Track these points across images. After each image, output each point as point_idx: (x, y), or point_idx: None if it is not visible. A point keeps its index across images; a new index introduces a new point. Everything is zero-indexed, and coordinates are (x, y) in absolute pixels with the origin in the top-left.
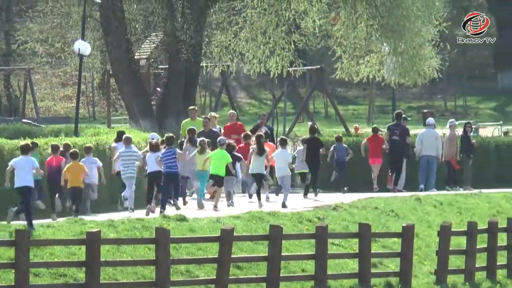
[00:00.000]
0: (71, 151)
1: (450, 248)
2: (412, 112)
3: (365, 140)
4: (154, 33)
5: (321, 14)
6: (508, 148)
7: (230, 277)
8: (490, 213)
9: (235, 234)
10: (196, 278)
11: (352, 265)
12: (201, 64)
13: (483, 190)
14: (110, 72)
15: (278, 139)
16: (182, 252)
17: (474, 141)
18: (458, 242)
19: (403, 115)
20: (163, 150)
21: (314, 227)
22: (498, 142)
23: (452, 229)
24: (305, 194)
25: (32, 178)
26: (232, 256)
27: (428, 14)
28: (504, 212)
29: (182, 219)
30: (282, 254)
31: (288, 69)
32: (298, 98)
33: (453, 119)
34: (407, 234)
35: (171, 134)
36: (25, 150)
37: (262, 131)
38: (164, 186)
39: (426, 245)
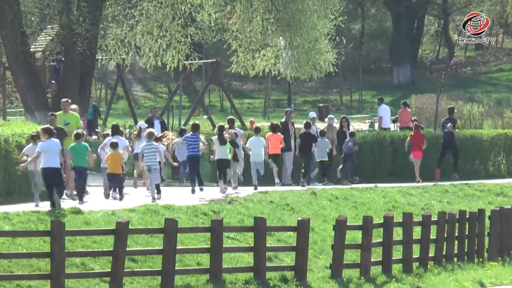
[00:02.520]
0: None
1: (346, 242)
2: (307, 106)
3: (409, 137)
4: (50, 26)
5: (217, 7)
6: (404, 142)
7: (125, 270)
8: (386, 208)
9: (130, 227)
10: (91, 271)
11: (248, 259)
12: (96, 57)
13: (379, 185)
14: (6, 65)
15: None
16: (77, 244)
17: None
18: (354, 236)
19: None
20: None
21: (209, 221)
22: (393, 137)
23: (348, 224)
24: (304, 180)
25: None
26: (127, 249)
27: (324, 8)
28: (399, 206)
29: (77, 211)
30: (177, 247)
31: (184, 62)
32: (194, 92)
33: (332, 116)
34: (302, 228)
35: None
36: None
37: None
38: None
39: (322, 239)
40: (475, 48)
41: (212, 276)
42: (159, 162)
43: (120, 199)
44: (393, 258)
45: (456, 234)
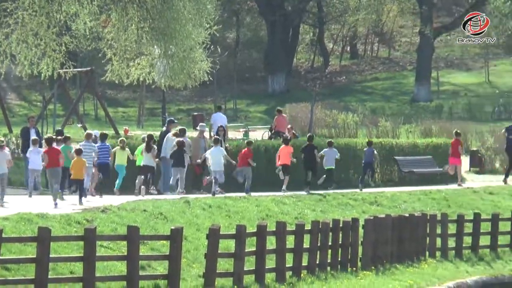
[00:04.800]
0: None
1: (219, 251)
2: (182, 114)
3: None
4: None
5: (92, 16)
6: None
7: None
8: (259, 217)
9: (3, 235)
10: None
11: (121, 268)
12: None
13: (252, 194)
14: None
15: (212, 139)
16: None
17: (227, 145)
18: (227, 245)
19: None
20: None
21: (82, 229)
22: (268, 146)
23: (221, 232)
24: (307, 185)
25: None
26: (0, 257)
27: (199, 17)
28: (273, 215)
29: None
30: (51, 256)
31: (59, 71)
32: (68, 100)
33: (204, 124)
34: (175, 237)
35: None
36: None
37: (32, 133)
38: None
39: (195, 248)
40: (350, 57)
41: (85, 284)
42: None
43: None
44: (266, 267)
45: (330, 243)
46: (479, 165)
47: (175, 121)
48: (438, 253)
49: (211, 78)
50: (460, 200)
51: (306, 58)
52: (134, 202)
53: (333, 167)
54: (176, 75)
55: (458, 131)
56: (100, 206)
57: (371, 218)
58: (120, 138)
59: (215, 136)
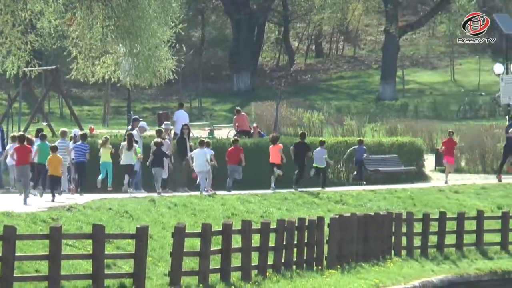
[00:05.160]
0: None
1: (184, 250)
2: (147, 113)
3: (442, 143)
4: None
5: (57, 14)
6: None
7: None
8: (225, 215)
9: None
10: None
11: (86, 266)
12: None
13: (218, 192)
14: None
15: (198, 141)
16: None
17: (191, 143)
18: (193, 243)
19: None
20: None
21: (48, 228)
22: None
23: (186, 231)
24: (296, 184)
25: None
26: None
27: (164, 16)
28: (238, 214)
29: None
30: (16, 254)
31: (24, 69)
32: (34, 99)
33: (168, 122)
34: (141, 236)
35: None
36: None
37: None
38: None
39: (160, 247)
40: (315, 55)
41: (51, 283)
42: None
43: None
44: (231, 266)
45: (295, 242)
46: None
47: (140, 119)
48: (403, 252)
49: (176, 77)
50: (425, 198)
51: (271, 57)
52: (99, 200)
53: (323, 166)
54: (141, 74)
55: (451, 130)
56: (65, 205)
57: (337, 216)
58: (104, 136)
59: (201, 138)
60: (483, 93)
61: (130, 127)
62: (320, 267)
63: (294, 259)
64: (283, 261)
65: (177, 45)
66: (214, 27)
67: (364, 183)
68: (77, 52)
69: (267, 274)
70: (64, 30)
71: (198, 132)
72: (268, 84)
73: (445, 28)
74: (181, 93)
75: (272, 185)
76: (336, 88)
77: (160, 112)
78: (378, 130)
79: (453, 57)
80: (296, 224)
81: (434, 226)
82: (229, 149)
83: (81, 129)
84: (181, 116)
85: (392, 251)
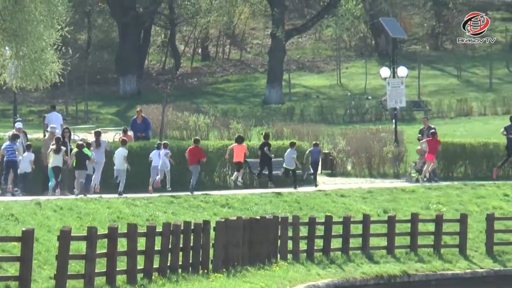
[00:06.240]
0: None
1: (70, 253)
2: (33, 116)
3: (425, 140)
4: None
5: None
6: (141, 153)
7: None
8: (110, 218)
9: None
10: None
11: None
12: None
13: (103, 195)
14: None
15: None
16: None
17: (71, 146)
18: (78, 247)
19: None
20: None
21: None
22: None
23: (72, 234)
24: (272, 183)
25: None
26: None
27: (50, 18)
28: (124, 217)
29: None
30: None
31: None
32: None
33: (54, 125)
34: (26, 239)
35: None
36: None
37: None
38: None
39: (46, 250)
40: (202, 59)
41: None
42: None
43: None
44: (117, 269)
45: (181, 245)
46: (331, 167)
47: (20, 120)
48: (289, 256)
49: (62, 80)
50: (311, 202)
51: (157, 60)
52: None
53: (292, 168)
54: (27, 76)
55: (434, 129)
56: None
57: (222, 220)
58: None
59: (121, 137)
60: (369, 97)
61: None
62: (206, 271)
63: (180, 263)
64: (169, 264)
65: (64, 48)
66: (100, 30)
67: (318, 184)
68: None
69: (153, 277)
70: None
71: (85, 135)
72: (154, 87)
73: (332, 31)
74: (67, 96)
75: (239, 179)
76: (223, 92)
77: (45, 115)
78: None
79: (340, 60)
80: (182, 228)
81: (320, 230)
82: (189, 148)
83: None
84: (54, 118)
85: (278, 255)
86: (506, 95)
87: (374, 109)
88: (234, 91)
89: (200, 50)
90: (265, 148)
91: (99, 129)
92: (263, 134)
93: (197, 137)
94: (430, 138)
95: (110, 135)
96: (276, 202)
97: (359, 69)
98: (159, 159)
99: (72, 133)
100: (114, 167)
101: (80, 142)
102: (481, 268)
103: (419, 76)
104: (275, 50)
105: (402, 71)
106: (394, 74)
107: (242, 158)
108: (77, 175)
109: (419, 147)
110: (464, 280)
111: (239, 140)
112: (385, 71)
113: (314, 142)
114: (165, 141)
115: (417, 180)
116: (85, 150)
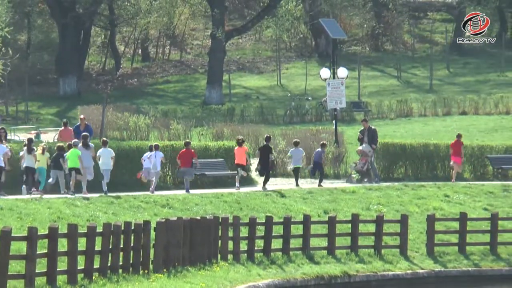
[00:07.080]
0: None
1: (10, 253)
2: None
3: (450, 144)
4: None
5: None
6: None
7: None
8: (51, 219)
9: None
10: None
11: None
12: None
13: (44, 196)
14: None
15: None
16: None
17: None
18: (19, 247)
19: None
20: None
21: None
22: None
23: (12, 234)
24: (264, 184)
25: None
26: None
27: None
28: (64, 218)
29: None
30: None
31: None
32: None
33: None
34: None
35: None
36: None
37: None
38: None
39: None
40: (142, 59)
41: None
42: None
43: None
44: (58, 269)
45: (122, 246)
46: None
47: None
48: (230, 256)
49: (2, 80)
50: (252, 203)
51: (97, 61)
52: None
53: (300, 166)
54: None
55: (460, 133)
56: None
57: (163, 220)
58: (42, 143)
59: (103, 138)
60: (309, 98)
61: None
62: (146, 271)
63: (121, 263)
64: (109, 264)
65: (3, 48)
66: (40, 31)
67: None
68: None
69: (94, 277)
70: None
71: (25, 136)
72: (94, 88)
73: (272, 32)
74: (7, 97)
75: (237, 184)
76: (163, 92)
77: None
78: (205, 134)
79: (280, 61)
80: (123, 228)
81: (260, 231)
82: (181, 151)
83: None
84: None
85: (219, 255)
86: (447, 96)
87: (314, 110)
88: (174, 92)
89: (140, 51)
90: (270, 155)
91: (31, 137)
92: (265, 137)
93: (187, 140)
94: (454, 141)
95: (50, 136)
96: (216, 202)
97: (299, 70)
98: (150, 162)
99: (11, 133)
100: (101, 167)
101: (61, 144)
102: (422, 269)
103: (359, 77)
104: (215, 51)
105: (342, 72)
106: (334, 75)
107: (243, 160)
108: (53, 174)
109: (359, 148)
110: (404, 281)
111: (240, 143)
112: (325, 72)
113: (321, 143)
114: (156, 143)
115: (358, 181)
116: (76, 150)
